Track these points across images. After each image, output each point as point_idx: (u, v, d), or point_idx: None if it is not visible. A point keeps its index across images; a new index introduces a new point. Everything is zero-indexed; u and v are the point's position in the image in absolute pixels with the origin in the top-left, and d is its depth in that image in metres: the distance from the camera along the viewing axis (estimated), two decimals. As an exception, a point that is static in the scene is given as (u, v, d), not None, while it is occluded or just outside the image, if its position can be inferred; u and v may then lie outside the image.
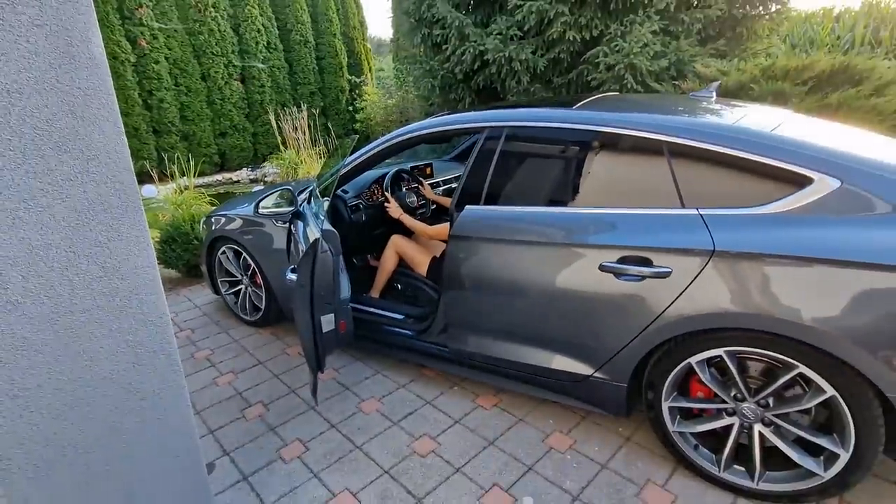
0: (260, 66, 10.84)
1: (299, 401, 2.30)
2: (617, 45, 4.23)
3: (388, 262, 2.65)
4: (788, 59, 3.76)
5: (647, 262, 1.57)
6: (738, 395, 1.56)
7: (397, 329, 2.39)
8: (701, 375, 1.57)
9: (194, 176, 6.70)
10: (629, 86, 4.25)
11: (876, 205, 1.33)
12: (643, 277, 1.57)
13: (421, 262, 2.55)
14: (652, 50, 4.15)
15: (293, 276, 1.76)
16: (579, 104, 1.94)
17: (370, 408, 2.21)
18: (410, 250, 2.60)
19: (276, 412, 2.23)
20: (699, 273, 1.48)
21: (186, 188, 5.98)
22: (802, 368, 1.40)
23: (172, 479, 1.28)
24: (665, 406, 1.68)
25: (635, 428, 1.97)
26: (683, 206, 1.56)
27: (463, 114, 2.18)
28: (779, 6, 4.94)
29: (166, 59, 9.65)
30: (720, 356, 1.52)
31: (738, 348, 1.49)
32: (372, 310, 2.50)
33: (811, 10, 7.03)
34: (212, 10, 9.98)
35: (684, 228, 1.53)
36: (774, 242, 1.39)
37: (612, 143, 1.74)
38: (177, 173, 6.84)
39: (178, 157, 7.85)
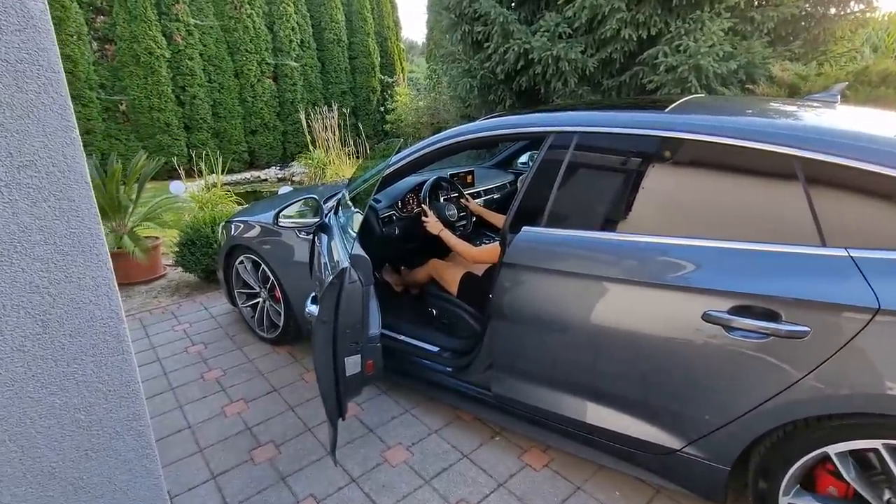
0: (293, 64, 10.75)
1: (315, 442, 1.98)
2: (681, 45, 3.80)
3: (418, 278, 2.48)
4: (886, 63, 3.28)
5: (773, 316, 1.18)
6: (895, 499, 1.16)
7: (431, 363, 2.06)
8: (843, 471, 1.18)
9: (223, 173, 6.54)
10: (692, 89, 3.81)
11: None
12: (767, 335, 1.19)
13: (451, 280, 2.23)
14: (721, 50, 3.71)
15: (313, 309, 1.45)
16: (672, 106, 1.56)
17: (397, 458, 1.88)
18: (445, 273, 2.29)
19: (288, 455, 1.92)
20: (853, 337, 1.09)
21: (214, 186, 5.81)
22: None
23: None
24: (783, 502, 1.29)
25: (726, 512, 1.57)
26: (824, 244, 1.17)
27: (521, 116, 1.83)
28: (862, 6, 4.42)
29: (200, 55, 9.63)
30: (876, 449, 1.13)
31: (905, 442, 1.10)
32: (402, 338, 2.18)
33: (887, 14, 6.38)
34: (247, 6, 9.92)
35: (830, 275, 1.14)
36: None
37: (723, 158, 1.36)
38: (205, 170, 6.70)
39: (206, 154, 7.74)
